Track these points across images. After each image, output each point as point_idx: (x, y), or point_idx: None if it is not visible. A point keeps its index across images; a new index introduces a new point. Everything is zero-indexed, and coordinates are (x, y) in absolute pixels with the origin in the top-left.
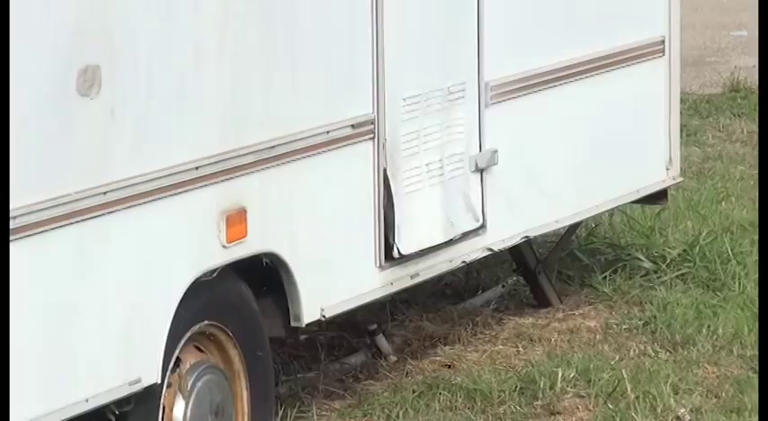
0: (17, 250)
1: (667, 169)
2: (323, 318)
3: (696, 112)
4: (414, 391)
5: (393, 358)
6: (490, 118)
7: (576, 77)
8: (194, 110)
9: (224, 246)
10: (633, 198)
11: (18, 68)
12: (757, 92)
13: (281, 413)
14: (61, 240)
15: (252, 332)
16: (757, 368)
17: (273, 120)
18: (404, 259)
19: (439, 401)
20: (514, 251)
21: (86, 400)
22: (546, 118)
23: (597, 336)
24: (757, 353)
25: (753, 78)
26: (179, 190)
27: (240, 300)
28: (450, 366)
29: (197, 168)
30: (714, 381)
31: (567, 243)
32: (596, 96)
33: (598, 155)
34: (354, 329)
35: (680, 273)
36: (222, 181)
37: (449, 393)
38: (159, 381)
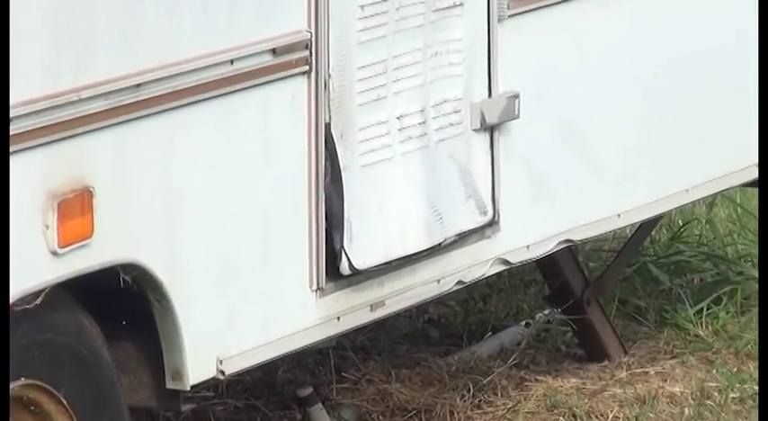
0: None
1: None
2: (221, 377)
3: None
4: None
5: None
6: (507, 41)
7: None
8: (8, 31)
9: (54, 253)
10: (748, 178)
11: None
12: None
13: None
14: None
15: (100, 398)
16: None
17: (141, 45)
18: (359, 278)
19: None
20: (547, 266)
21: None
22: (600, 42)
23: (687, 410)
24: None
25: None
26: None
27: (81, 345)
28: None
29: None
30: None
31: (636, 253)
32: (684, 6)
33: (688, 106)
34: (275, 395)
35: None
36: (52, 143)
37: None
38: None
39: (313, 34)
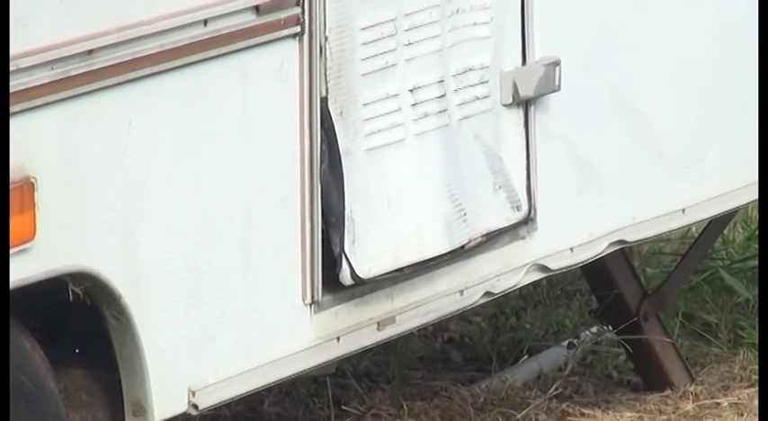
0: None
1: None
2: (194, 412)
3: None
4: None
5: None
6: None
7: None
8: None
9: None
10: None
11: None
12: None
13: None
14: None
15: None
16: None
17: (94, 5)
18: (363, 289)
19: None
20: (596, 273)
21: None
22: None
23: None
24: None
25: None
26: None
27: (21, 373)
28: None
29: None
30: None
31: (705, 256)
32: None
33: None
34: None
35: None
36: None
37: None
38: None
39: None
